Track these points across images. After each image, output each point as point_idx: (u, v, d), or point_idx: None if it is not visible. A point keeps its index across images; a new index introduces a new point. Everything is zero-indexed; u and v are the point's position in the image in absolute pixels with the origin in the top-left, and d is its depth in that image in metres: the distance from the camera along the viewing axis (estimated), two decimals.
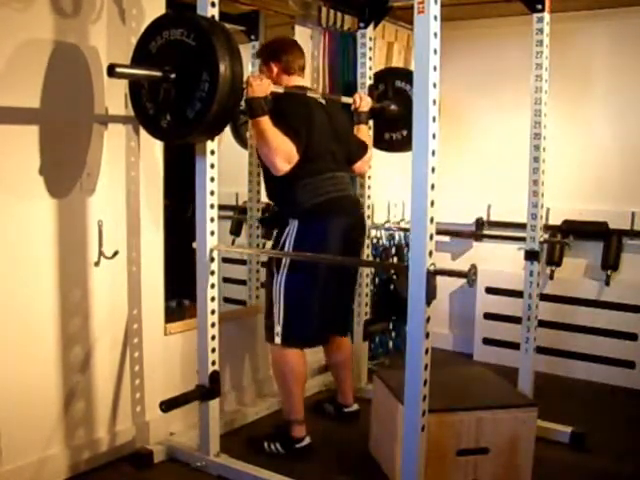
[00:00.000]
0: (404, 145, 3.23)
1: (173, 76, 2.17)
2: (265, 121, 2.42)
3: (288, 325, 2.61)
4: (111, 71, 2.07)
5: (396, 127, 3.26)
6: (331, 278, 2.65)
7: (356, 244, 2.79)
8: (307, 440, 2.69)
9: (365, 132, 2.99)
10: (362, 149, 2.91)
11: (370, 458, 2.65)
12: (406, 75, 3.24)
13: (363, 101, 2.98)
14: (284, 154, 2.45)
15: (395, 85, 3.29)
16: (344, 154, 2.77)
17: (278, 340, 2.63)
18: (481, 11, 3.78)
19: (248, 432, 2.89)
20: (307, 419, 2.73)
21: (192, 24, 2.14)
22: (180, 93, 2.16)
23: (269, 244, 3.56)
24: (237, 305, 3.42)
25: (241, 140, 3.47)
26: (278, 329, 2.61)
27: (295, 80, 2.73)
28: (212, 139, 2.33)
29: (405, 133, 3.23)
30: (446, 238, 4.14)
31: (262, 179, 2.83)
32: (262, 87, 2.40)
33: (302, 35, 3.33)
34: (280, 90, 2.56)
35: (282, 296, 2.59)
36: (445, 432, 2.27)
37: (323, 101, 2.79)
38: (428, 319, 1.91)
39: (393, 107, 3.24)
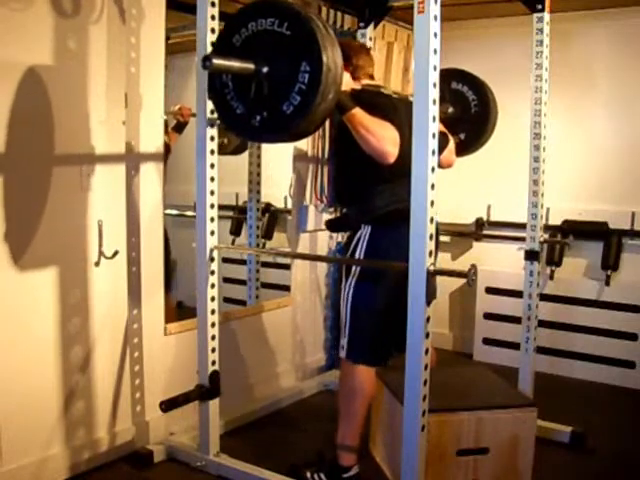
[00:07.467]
0: (464, 148, 3.06)
1: (265, 69, 2.01)
2: (360, 112, 2.18)
3: (352, 338, 2.41)
4: (206, 63, 1.96)
5: (454, 130, 2.95)
6: (404, 289, 2.24)
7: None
8: (355, 470, 2.45)
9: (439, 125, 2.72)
10: (445, 138, 2.58)
11: (370, 458, 2.65)
12: (462, 76, 3.14)
13: None
14: (391, 139, 2.22)
15: (451, 87, 3.15)
16: None
17: (343, 354, 2.43)
18: (481, 11, 3.78)
19: (250, 433, 2.88)
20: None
21: (285, 12, 1.98)
22: (274, 87, 2.00)
23: (269, 244, 3.57)
24: (237, 305, 3.43)
25: None
26: (343, 342, 2.42)
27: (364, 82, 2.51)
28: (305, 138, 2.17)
29: (463, 136, 3.08)
30: (446, 238, 4.13)
31: (336, 179, 2.61)
32: (345, 80, 2.17)
33: None
34: (357, 87, 2.39)
35: (349, 307, 2.40)
36: (445, 432, 2.27)
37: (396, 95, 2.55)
38: (428, 319, 1.91)
39: (451, 110, 3.12)
